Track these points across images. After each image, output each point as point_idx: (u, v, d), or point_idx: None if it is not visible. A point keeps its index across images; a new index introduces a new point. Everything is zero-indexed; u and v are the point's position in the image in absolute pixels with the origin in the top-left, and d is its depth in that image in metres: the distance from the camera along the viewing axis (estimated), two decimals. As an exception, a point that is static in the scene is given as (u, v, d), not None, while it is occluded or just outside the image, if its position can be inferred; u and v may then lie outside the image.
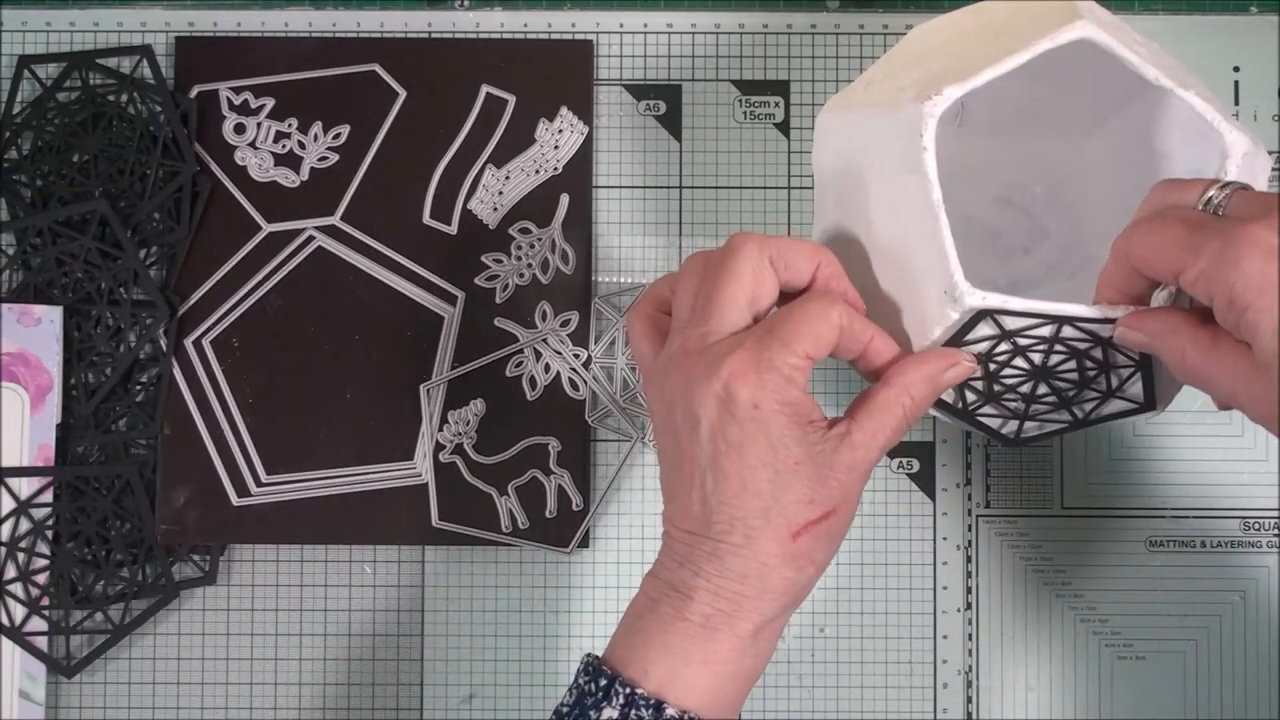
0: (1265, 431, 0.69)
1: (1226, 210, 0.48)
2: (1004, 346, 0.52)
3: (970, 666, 0.70)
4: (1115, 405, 0.55)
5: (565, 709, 0.52)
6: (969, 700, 0.70)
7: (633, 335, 0.57)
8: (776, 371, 0.50)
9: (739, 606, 0.51)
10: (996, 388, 0.54)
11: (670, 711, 0.49)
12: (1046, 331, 0.52)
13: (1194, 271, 0.46)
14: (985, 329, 0.52)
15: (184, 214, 0.70)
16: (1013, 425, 0.56)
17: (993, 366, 0.53)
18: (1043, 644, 0.70)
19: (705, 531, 0.51)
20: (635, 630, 0.52)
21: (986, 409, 0.56)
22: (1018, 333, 0.51)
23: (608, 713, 0.49)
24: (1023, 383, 0.53)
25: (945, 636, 0.70)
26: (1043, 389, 0.54)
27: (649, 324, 0.56)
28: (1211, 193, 0.49)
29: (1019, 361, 0.53)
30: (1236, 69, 0.72)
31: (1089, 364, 0.53)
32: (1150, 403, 0.55)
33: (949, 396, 0.56)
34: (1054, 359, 0.52)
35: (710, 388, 0.50)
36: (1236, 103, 0.72)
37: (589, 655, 0.52)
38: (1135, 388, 0.54)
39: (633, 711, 0.49)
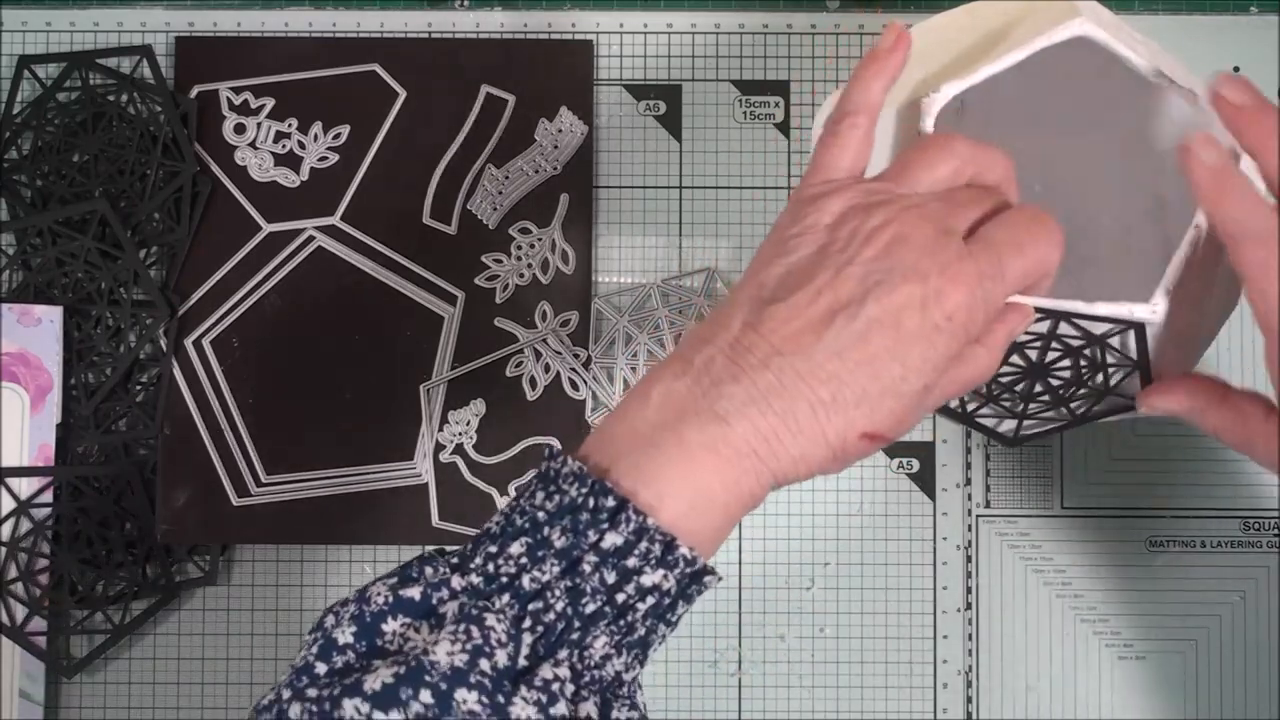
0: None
1: None
2: None
3: (970, 666, 0.70)
4: (1112, 403, 0.55)
5: (543, 514, 0.44)
6: (969, 700, 0.70)
7: (847, 139, 0.50)
8: (988, 303, 0.47)
9: (774, 455, 0.45)
10: (993, 388, 0.54)
11: (682, 550, 0.43)
12: (1043, 328, 0.52)
13: None
14: None
15: (184, 214, 0.71)
16: (1010, 424, 0.56)
17: None
18: (1043, 644, 0.70)
19: (797, 362, 0.45)
20: (652, 446, 0.45)
21: (985, 410, 0.56)
22: None
23: (612, 539, 0.43)
24: (1018, 380, 0.53)
25: (945, 636, 0.70)
26: (1038, 387, 0.54)
27: (866, 136, 0.50)
28: None
29: (1015, 359, 0.53)
30: (1236, 69, 0.72)
31: (1084, 362, 0.53)
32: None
33: (951, 403, 0.56)
34: (1050, 356, 0.52)
35: (925, 261, 0.45)
36: (1236, 103, 0.72)
37: (578, 464, 0.45)
38: (1133, 386, 0.54)
39: (642, 544, 0.43)
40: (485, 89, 0.72)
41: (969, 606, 0.70)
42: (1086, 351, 0.52)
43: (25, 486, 0.69)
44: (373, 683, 0.41)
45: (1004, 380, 0.54)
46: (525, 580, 0.43)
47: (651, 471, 0.44)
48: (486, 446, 0.70)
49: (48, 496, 0.69)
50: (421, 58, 0.72)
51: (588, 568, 0.43)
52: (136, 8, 0.73)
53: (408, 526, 0.70)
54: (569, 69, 0.72)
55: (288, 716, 0.41)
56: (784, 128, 0.72)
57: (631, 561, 0.43)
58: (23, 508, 0.69)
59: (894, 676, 0.70)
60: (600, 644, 0.43)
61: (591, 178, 0.71)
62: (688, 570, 0.44)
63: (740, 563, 0.70)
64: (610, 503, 0.43)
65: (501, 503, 0.69)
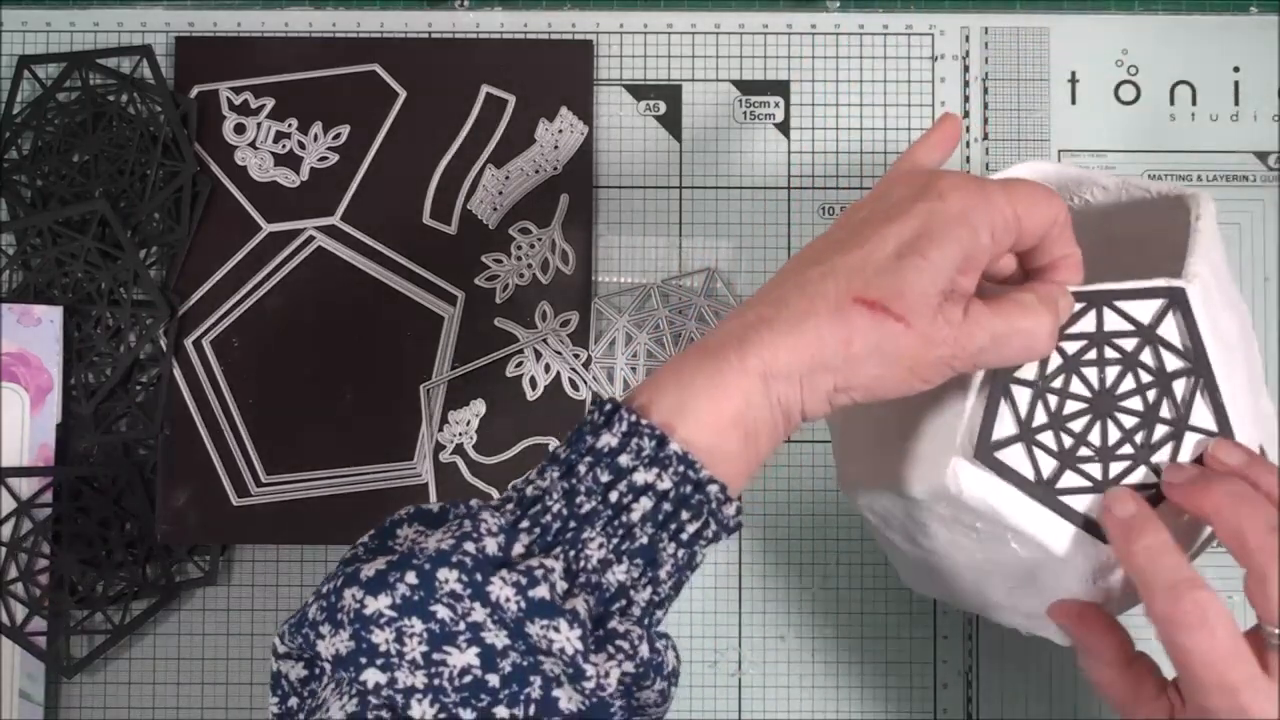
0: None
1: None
2: (1055, 361, 0.51)
3: (970, 666, 0.70)
4: (1193, 443, 0.51)
5: (562, 442, 0.47)
6: (969, 700, 0.70)
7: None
8: (990, 202, 0.48)
9: (759, 339, 0.46)
10: (1065, 439, 0.51)
11: (674, 447, 0.44)
12: (1089, 324, 0.51)
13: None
14: None
15: (184, 214, 0.71)
16: (1097, 503, 0.51)
17: (1053, 401, 0.51)
18: (1043, 644, 0.70)
19: (798, 265, 0.48)
20: (661, 369, 0.48)
21: (1066, 479, 0.51)
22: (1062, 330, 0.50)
23: (606, 439, 0.45)
24: (1089, 424, 0.51)
25: (945, 636, 0.70)
26: (1114, 435, 0.51)
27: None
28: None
29: (1076, 386, 0.51)
30: (1236, 69, 0.72)
31: (1146, 377, 0.51)
32: (1224, 427, 0.51)
33: (1026, 467, 0.51)
34: (1109, 374, 0.51)
35: (919, 179, 0.49)
36: (1236, 103, 0.72)
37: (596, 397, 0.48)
38: (1203, 413, 0.51)
39: (634, 440, 0.45)
40: (485, 89, 0.72)
41: (969, 606, 0.70)
42: (1146, 359, 0.51)
43: (25, 486, 0.69)
44: (367, 571, 0.43)
45: (1074, 426, 0.51)
46: (529, 490, 0.45)
47: (648, 382, 0.47)
48: (486, 446, 0.70)
49: (48, 496, 0.69)
50: (421, 58, 0.72)
51: (583, 468, 0.45)
52: (136, 8, 0.73)
53: (408, 526, 0.70)
54: (569, 69, 0.72)
55: (308, 616, 0.43)
56: (784, 128, 0.72)
57: (624, 459, 0.45)
58: (23, 508, 0.69)
59: (894, 676, 0.70)
60: (596, 545, 0.44)
61: (591, 178, 0.71)
62: (683, 471, 0.45)
63: (740, 563, 0.70)
64: (607, 407, 0.46)
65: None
